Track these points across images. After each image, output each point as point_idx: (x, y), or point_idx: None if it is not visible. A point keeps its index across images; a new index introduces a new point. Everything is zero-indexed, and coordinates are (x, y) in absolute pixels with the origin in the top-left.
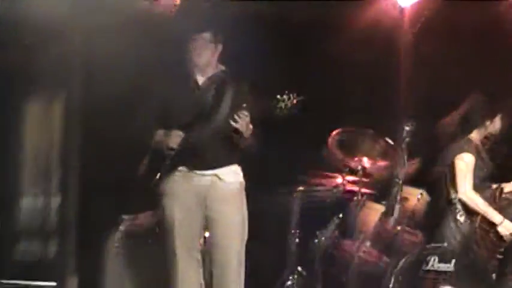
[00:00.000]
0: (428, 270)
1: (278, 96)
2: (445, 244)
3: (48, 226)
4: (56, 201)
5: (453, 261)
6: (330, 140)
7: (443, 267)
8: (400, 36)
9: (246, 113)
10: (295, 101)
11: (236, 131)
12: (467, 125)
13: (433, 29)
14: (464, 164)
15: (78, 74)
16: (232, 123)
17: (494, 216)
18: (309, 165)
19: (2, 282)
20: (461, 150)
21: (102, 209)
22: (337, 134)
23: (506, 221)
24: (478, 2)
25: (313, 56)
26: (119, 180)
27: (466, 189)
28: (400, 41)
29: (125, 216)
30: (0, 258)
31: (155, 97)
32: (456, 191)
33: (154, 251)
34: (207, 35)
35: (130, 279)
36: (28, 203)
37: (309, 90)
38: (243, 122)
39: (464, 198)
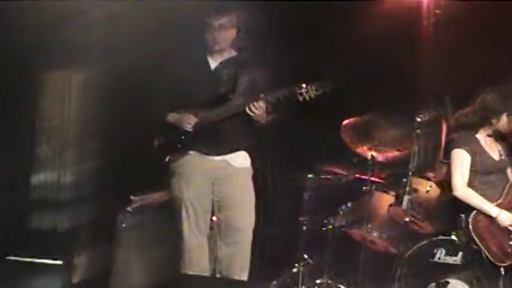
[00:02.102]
0: (435, 262)
1: (296, 89)
2: (453, 237)
3: (60, 201)
4: (68, 178)
5: (460, 254)
6: (342, 128)
7: (450, 259)
8: (417, 25)
9: (262, 104)
10: (313, 95)
11: (250, 117)
12: (475, 120)
13: (449, 20)
14: (458, 160)
15: (97, 51)
16: (249, 112)
17: (491, 209)
18: (319, 153)
19: (9, 258)
20: (458, 145)
21: (114, 186)
22: (350, 122)
23: (503, 213)
24: None
25: (327, 43)
26: (132, 158)
27: (458, 185)
28: (415, 31)
29: (135, 196)
30: (10, 233)
31: (169, 79)
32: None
33: (163, 230)
34: (223, 20)
35: (139, 257)
36: (41, 178)
37: (321, 78)
38: (259, 112)
39: (458, 194)
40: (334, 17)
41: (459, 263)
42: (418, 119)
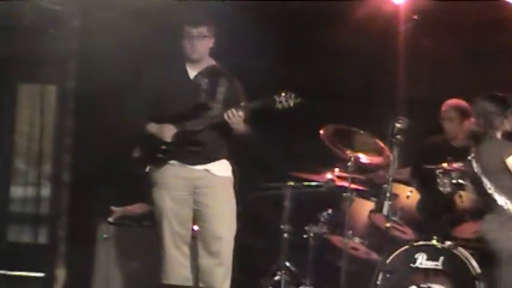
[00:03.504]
0: (417, 268)
1: (275, 97)
2: (434, 242)
3: (38, 215)
4: (46, 190)
5: (441, 258)
6: (323, 131)
7: (431, 264)
8: (394, 32)
9: (240, 112)
10: (292, 104)
11: (229, 126)
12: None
13: (426, 25)
14: None
15: (72, 62)
16: (227, 119)
17: None
18: (299, 160)
19: None
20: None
21: (92, 199)
22: (329, 129)
23: None
24: None
25: (306, 50)
26: (109, 170)
27: None
28: (393, 38)
29: (115, 207)
30: None
31: (147, 89)
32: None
33: (143, 241)
34: (202, 29)
35: (119, 269)
36: (18, 192)
37: (301, 85)
38: (236, 120)
39: None
40: (312, 24)
41: (440, 267)
42: (398, 125)
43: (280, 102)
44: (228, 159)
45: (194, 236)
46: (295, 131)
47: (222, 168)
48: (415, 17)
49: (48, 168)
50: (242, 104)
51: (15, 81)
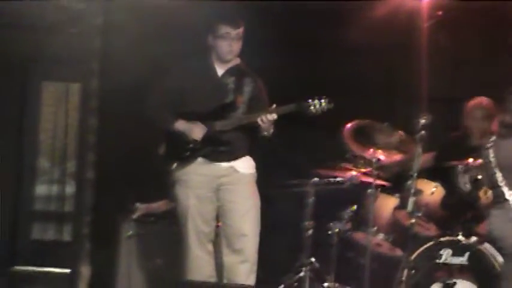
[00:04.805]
0: (442, 264)
1: (309, 101)
2: (459, 237)
3: (63, 213)
4: (71, 187)
5: (467, 254)
6: (345, 131)
7: (457, 260)
8: (418, 27)
9: (274, 116)
10: (325, 109)
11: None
12: None
13: (450, 22)
14: None
15: (97, 59)
16: (260, 122)
17: None
18: (323, 157)
19: (15, 269)
20: None
21: (116, 196)
22: (353, 125)
23: None
24: None
25: (328, 47)
26: (134, 167)
27: None
28: (417, 33)
29: (139, 204)
30: (15, 243)
31: (173, 86)
32: None
33: (166, 238)
34: (240, 31)
35: (142, 266)
36: (43, 190)
37: (324, 82)
38: (268, 124)
39: None
40: (334, 22)
41: (466, 263)
42: (422, 121)
43: (314, 106)
44: (252, 156)
45: (218, 233)
46: (318, 127)
47: (246, 165)
48: (439, 13)
49: (73, 166)
50: (276, 107)
51: (39, 80)
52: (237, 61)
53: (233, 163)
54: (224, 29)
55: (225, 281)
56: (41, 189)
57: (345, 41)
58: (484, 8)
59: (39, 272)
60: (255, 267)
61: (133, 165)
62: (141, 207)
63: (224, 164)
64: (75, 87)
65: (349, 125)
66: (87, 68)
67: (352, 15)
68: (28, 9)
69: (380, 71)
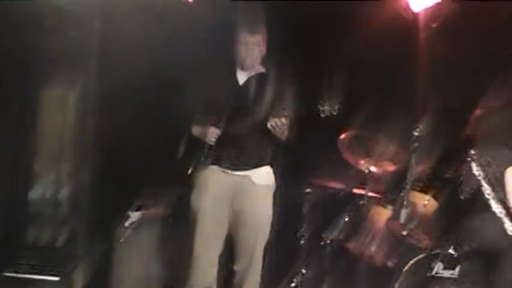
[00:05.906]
0: (433, 276)
1: (319, 105)
2: (451, 250)
3: (58, 215)
4: (67, 190)
5: (458, 267)
6: (339, 142)
7: (447, 273)
8: (413, 39)
9: (285, 120)
10: (335, 112)
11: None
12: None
13: (445, 33)
14: None
15: (95, 61)
16: (270, 128)
17: None
18: (317, 168)
19: (5, 275)
20: None
21: (114, 199)
22: (347, 136)
23: None
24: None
25: (323, 60)
26: (132, 169)
27: None
28: (412, 45)
29: (131, 212)
30: (6, 249)
31: (196, 91)
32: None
33: (165, 243)
34: (258, 37)
35: (138, 272)
36: (39, 191)
37: (320, 93)
38: (281, 129)
39: None
40: (328, 34)
41: (457, 276)
42: (415, 133)
43: (324, 110)
44: (271, 165)
45: (228, 242)
46: (314, 136)
47: (262, 176)
48: (434, 25)
49: (70, 167)
50: (285, 112)
51: (36, 82)
52: (260, 69)
53: (249, 172)
54: (242, 35)
55: None
56: (36, 193)
57: (339, 52)
58: (482, 16)
59: (32, 279)
60: (259, 277)
61: (133, 168)
62: (133, 215)
63: (240, 173)
64: (75, 88)
65: (344, 135)
66: (85, 71)
67: (347, 26)
68: (25, 12)
69: (375, 82)
